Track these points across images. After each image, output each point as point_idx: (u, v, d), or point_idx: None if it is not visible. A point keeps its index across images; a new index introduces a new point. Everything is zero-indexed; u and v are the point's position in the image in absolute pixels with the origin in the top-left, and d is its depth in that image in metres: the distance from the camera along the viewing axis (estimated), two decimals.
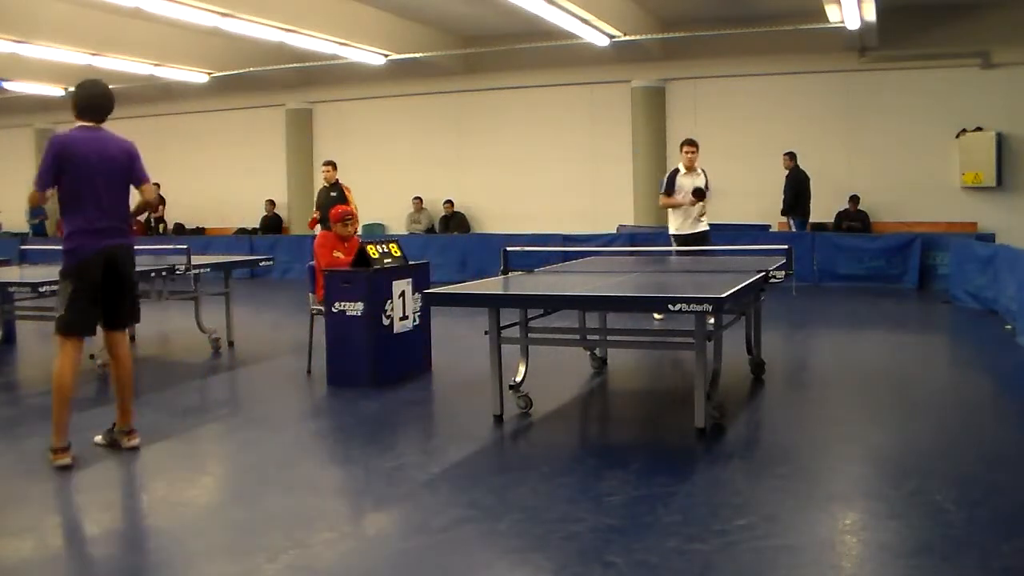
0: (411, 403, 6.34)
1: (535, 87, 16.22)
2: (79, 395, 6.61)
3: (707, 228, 9.24)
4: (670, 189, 9.18)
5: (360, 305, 6.53)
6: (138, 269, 7.79)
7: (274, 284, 15.00)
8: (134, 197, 5.11)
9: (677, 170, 9.25)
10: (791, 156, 13.64)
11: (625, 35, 12.98)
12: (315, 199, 11.22)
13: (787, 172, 13.62)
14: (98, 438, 5.15)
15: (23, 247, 13.50)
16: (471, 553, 3.63)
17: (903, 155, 14.16)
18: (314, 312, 7.24)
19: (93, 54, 13.44)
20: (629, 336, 6.93)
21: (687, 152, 9.14)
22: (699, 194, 8.96)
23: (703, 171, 9.32)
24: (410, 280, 6.96)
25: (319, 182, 12.03)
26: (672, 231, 9.30)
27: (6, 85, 15.87)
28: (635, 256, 9.10)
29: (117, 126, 4.96)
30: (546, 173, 16.31)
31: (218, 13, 10.96)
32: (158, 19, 12.21)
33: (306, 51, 13.65)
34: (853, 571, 3.44)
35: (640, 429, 5.74)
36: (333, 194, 10.82)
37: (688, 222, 9.13)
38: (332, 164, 11.33)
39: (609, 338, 6.81)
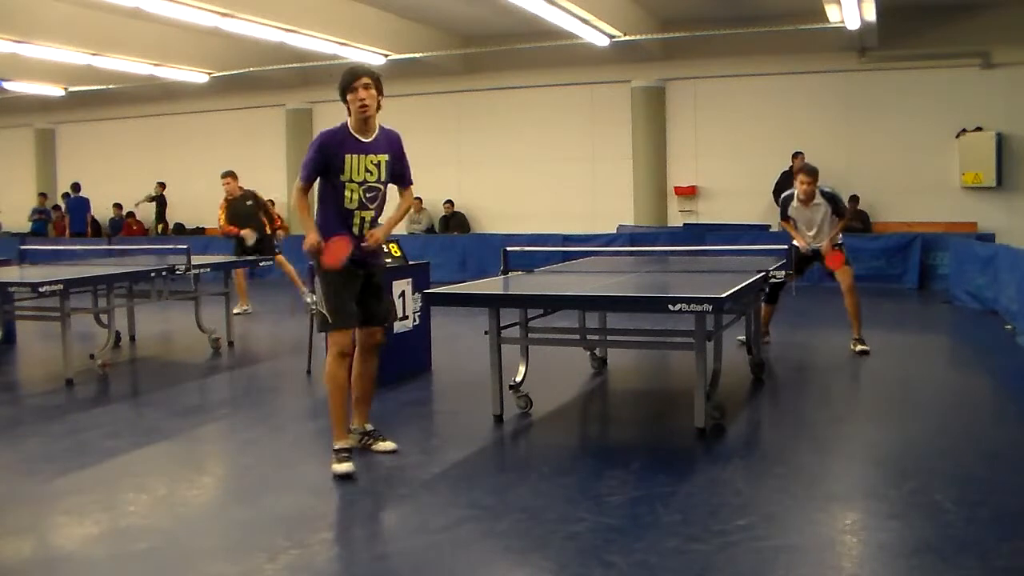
0: (411, 403, 6.34)
1: (535, 87, 16.22)
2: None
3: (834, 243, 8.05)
4: (785, 214, 8.13)
5: None
6: (138, 269, 7.94)
7: (274, 284, 14.99)
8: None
9: (792, 194, 8.04)
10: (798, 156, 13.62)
11: (625, 35, 12.98)
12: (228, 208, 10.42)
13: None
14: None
15: (23, 247, 13.49)
16: (471, 553, 3.63)
17: (903, 155, 14.16)
18: (314, 312, 7.23)
19: (93, 54, 13.46)
20: (629, 336, 6.93)
21: (801, 183, 7.85)
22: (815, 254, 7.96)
23: (827, 196, 7.99)
24: (410, 280, 6.96)
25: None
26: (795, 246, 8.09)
27: (6, 85, 15.86)
28: (635, 256, 9.09)
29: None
30: (546, 173, 16.32)
31: (218, 13, 10.97)
32: (158, 19, 12.22)
33: (306, 51, 13.65)
34: (853, 571, 3.43)
35: (640, 429, 5.74)
36: (248, 203, 10.41)
37: (807, 240, 8.03)
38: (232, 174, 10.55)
39: (609, 338, 6.82)
